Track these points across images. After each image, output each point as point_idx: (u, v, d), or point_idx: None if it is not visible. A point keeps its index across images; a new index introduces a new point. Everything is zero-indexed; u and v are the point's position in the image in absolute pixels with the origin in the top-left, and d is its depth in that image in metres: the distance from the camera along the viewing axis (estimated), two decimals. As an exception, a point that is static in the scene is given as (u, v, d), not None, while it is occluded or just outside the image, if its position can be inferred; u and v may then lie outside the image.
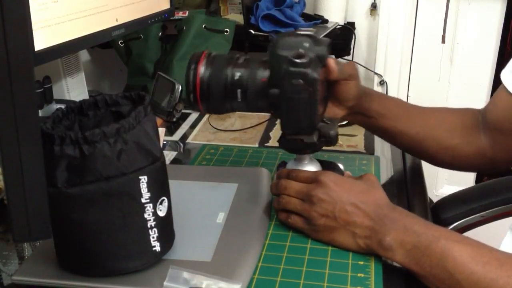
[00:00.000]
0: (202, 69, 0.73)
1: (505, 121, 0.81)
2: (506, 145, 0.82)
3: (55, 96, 1.14)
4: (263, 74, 0.72)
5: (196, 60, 0.74)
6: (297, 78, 0.68)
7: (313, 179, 0.73)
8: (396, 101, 0.90)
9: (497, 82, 1.92)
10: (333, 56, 0.76)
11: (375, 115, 0.85)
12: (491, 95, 1.91)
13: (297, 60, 0.68)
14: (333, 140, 0.76)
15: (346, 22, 1.93)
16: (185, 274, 0.61)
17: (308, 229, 0.72)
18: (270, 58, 0.71)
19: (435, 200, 1.06)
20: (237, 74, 0.73)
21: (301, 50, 0.69)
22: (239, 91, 0.73)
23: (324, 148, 0.77)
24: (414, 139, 0.87)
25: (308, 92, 0.68)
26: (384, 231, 0.66)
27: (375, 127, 0.88)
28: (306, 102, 0.69)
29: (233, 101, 0.74)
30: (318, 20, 1.73)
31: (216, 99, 0.74)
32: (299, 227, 0.73)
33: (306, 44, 0.69)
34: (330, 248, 0.71)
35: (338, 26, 1.81)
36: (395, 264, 0.69)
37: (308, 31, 0.71)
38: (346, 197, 0.69)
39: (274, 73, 0.71)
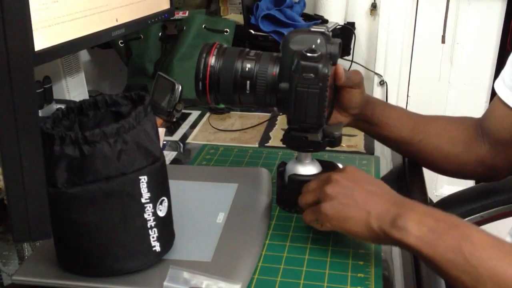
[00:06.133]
0: (212, 60, 0.74)
1: (502, 131, 0.82)
2: (506, 154, 0.83)
3: (55, 96, 1.14)
4: (274, 68, 0.73)
5: (207, 50, 0.75)
6: (308, 72, 0.69)
7: (338, 170, 0.71)
8: (399, 109, 0.91)
9: (497, 82, 1.92)
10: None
11: (378, 123, 0.86)
12: (491, 95, 1.92)
13: (309, 54, 0.69)
14: (337, 141, 0.77)
15: (346, 22, 1.93)
16: (185, 274, 0.61)
17: (317, 211, 0.67)
18: (282, 52, 0.72)
19: (435, 200, 1.06)
20: (248, 66, 0.73)
21: (313, 46, 0.70)
22: (248, 82, 0.73)
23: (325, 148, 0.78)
24: (416, 147, 0.88)
25: (318, 87, 0.69)
26: (400, 212, 0.62)
27: (378, 135, 0.89)
28: (315, 97, 0.69)
29: (242, 93, 0.75)
30: (318, 20, 1.73)
31: (225, 90, 0.74)
32: (308, 217, 0.69)
33: (319, 41, 0.70)
34: (330, 248, 0.71)
35: (338, 26, 1.81)
36: (393, 260, 0.69)
37: (321, 29, 0.72)
38: (368, 182, 0.67)
39: (285, 67, 0.71)
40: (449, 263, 0.57)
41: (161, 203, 0.63)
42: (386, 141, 0.91)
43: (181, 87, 1.13)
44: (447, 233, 0.58)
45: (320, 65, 0.69)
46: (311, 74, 0.69)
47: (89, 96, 1.26)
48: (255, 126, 1.16)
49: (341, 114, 0.84)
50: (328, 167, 0.80)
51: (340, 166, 0.82)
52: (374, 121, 0.86)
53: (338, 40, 0.73)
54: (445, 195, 1.08)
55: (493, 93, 0.88)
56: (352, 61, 1.92)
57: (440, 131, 0.88)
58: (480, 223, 1.01)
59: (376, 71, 1.99)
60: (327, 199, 0.67)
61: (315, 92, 0.69)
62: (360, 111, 0.84)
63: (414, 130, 0.87)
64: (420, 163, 0.94)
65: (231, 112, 1.24)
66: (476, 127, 0.87)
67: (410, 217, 0.61)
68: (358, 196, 0.65)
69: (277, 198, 0.83)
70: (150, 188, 0.61)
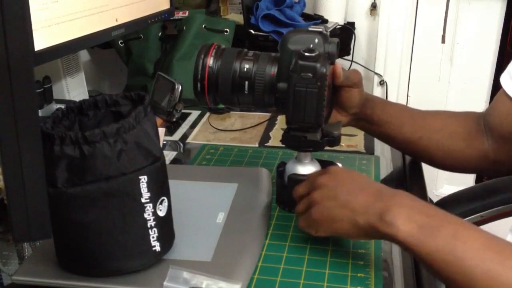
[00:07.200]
0: (211, 61, 0.74)
1: (506, 125, 0.81)
2: (509, 148, 0.83)
3: (55, 96, 1.14)
4: (272, 68, 0.73)
5: (206, 51, 0.75)
6: (306, 71, 0.69)
7: (321, 171, 0.71)
8: (399, 106, 0.91)
9: (497, 83, 1.92)
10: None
11: (378, 121, 0.86)
12: (491, 95, 1.92)
13: (307, 54, 0.69)
14: (336, 140, 0.77)
15: (346, 22, 1.93)
16: (185, 274, 0.61)
17: (308, 218, 0.68)
18: (281, 52, 0.72)
19: (435, 200, 1.06)
20: (246, 66, 0.73)
21: (311, 46, 0.70)
22: (246, 83, 0.73)
23: (325, 147, 0.78)
24: (417, 144, 0.87)
25: (316, 86, 0.69)
26: (386, 206, 0.60)
27: (378, 133, 0.89)
28: (314, 97, 0.69)
29: (240, 94, 0.75)
30: (318, 20, 1.73)
31: (223, 91, 0.74)
32: (301, 224, 0.70)
33: (316, 40, 0.70)
34: (330, 248, 0.71)
35: (338, 26, 1.81)
36: (393, 260, 0.69)
37: (319, 29, 0.72)
38: (350, 181, 0.67)
39: (283, 67, 0.71)
40: (441, 262, 0.56)
41: (161, 203, 0.63)
42: (387, 139, 0.90)
43: (181, 87, 1.13)
44: (438, 230, 0.57)
45: (318, 65, 0.69)
46: (309, 74, 0.69)
47: (89, 96, 1.26)
48: (255, 126, 1.16)
49: (341, 114, 0.84)
50: (328, 167, 0.80)
51: (340, 165, 0.82)
52: (374, 120, 0.86)
53: (336, 40, 0.73)
54: (445, 195, 1.08)
55: (493, 93, 0.89)
56: (352, 61, 1.92)
57: (441, 126, 0.87)
58: (480, 223, 1.01)
59: (376, 71, 1.99)
60: (314, 205, 0.67)
61: (313, 92, 0.69)
62: (360, 110, 0.84)
63: (414, 127, 0.87)
64: (422, 160, 0.93)
65: (231, 112, 1.24)
66: (478, 122, 0.86)
67: (397, 212, 0.59)
68: (341, 196, 0.65)
69: (277, 198, 0.83)
70: (150, 188, 0.61)
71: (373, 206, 0.62)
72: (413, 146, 0.88)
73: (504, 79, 0.81)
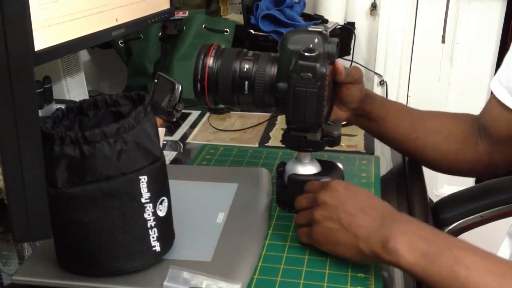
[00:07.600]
0: (211, 61, 0.74)
1: (498, 128, 0.82)
2: (503, 151, 0.83)
3: (55, 96, 1.15)
4: (272, 68, 0.73)
5: (206, 51, 0.75)
6: (306, 71, 0.69)
7: (323, 186, 0.70)
8: (398, 105, 0.91)
9: (497, 82, 1.92)
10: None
11: (376, 118, 0.86)
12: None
13: (307, 54, 0.69)
14: (336, 140, 0.77)
15: (346, 22, 1.93)
16: (185, 274, 0.61)
17: (311, 236, 0.69)
18: (280, 52, 0.72)
19: (435, 200, 1.06)
20: (246, 66, 0.73)
21: (311, 45, 0.70)
22: (246, 83, 0.73)
23: (324, 147, 0.78)
24: (414, 145, 0.88)
25: (316, 86, 0.69)
26: (388, 234, 0.61)
27: (377, 131, 0.89)
28: (314, 96, 0.70)
29: (240, 94, 0.75)
30: (318, 20, 1.73)
31: (223, 91, 0.75)
32: (303, 239, 0.71)
33: (316, 40, 0.70)
34: (330, 248, 0.71)
35: (338, 26, 1.81)
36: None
37: (319, 28, 0.72)
38: (352, 201, 0.66)
39: (283, 67, 0.72)
40: (444, 286, 0.58)
41: (161, 203, 0.63)
42: (385, 138, 0.91)
43: (181, 87, 1.13)
44: (440, 257, 0.58)
45: (318, 65, 0.69)
46: (309, 74, 0.69)
47: (89, 96, 1.26)
48: (255, 126, 1.16)
49: (340, 109, 0.84)
50: (328, 167, 0.80)
51: (340, 166, 0.82)
52: (372, 116, 0.86)
53: (336, 40, 0.73)
54: (445, 195, 1.08)
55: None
56: (352, 61, 1.92)
57: (438, 128, 0.88)
58: (480, 223, 1.01)
59: (376, 71, 1.99)
60: (315, 224, 0.68)
61: (313, 92, 0.69)
62: (359, 106, 0.84)
63: (411, 126, 0.87)
64: (418, 161, 0.94)
65: (231, 112, 1.24)
66: (474, 124, 0.87)
67: (400, 240, 0.60)
68: (344, 218, 0.65)
69: (277, 198, 0.83)
70: (150, 188, 0.61)
71: (375, 233, 0.62)
72: (409, 146, 0.88)
73: (494, 84, 0.82)
